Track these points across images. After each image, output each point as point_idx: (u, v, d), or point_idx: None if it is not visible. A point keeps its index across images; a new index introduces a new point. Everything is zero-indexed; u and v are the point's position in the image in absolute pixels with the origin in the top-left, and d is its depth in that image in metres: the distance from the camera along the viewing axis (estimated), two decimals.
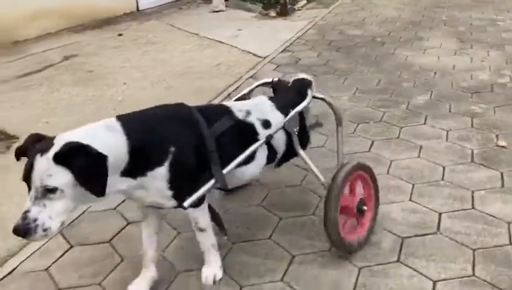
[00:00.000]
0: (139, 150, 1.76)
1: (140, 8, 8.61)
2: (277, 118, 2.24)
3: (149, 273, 2.11)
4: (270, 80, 2.61)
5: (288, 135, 2.30)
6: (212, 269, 2.14)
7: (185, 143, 1.89)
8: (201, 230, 2.08)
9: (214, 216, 2.15)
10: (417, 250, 2.33)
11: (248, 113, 2.17)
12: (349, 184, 2.28)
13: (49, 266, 2.31)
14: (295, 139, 2.32)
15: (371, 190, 2.42)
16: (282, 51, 5.78)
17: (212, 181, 1.96)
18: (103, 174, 1.63)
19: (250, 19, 7.84)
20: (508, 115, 3.74)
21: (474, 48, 5.42)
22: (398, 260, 2.27)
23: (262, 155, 2.19)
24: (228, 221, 2.38)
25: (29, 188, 1.64)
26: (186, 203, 1.91)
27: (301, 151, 2.36)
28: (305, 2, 8.67)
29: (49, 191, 1.61)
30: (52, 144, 1.63)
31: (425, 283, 2.13)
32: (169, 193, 1.88)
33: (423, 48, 5.56)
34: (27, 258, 2.37)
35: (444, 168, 3.03)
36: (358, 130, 3.63)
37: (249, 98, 2.55)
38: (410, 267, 2.22)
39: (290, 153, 2.37)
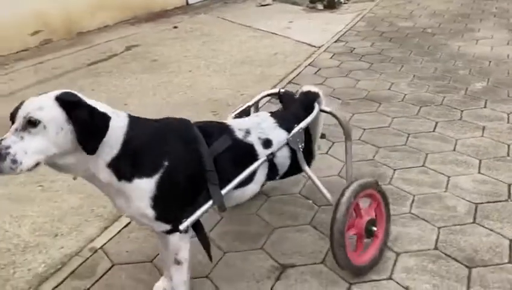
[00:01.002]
0: (132, 147, 1.70)
1: (190, 2, 8.99)
2: (279, 136, 2.13)
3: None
4: (276, 90, 2.51)
5: (293, 151, 2.18)
6: None
7: (180, 160, 1.80)
8: (179, 263, 1.91)
9: (203, 237, 1.96)
10: (491, 214, 2.56)
11: (247, 132, 2.06)
12: (356, 205, 2.13)
13: (91, 286, 2.28)
14: (300, 156, 2.20)
15: (382, 208, 2.27)
16: (336, 41, 6.01)
17: (210, 202, 1.88)
18: (102, 133, 1.61)
19: (299, 11, 8.08)
20: None
21: None
22: (474, 222, 2.51)
23: (261, 173, 2.09)
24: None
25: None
26: (182, 227, 1.83)
27: (307, 168, 2.25)
28: None
29: (31, 124, 1.54)
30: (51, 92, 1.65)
31: (501, 240, 2.36)
32: (151, 213, 1.76)
33: (475, 38, 5.71)
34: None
35: (508, 146, 3.24)
36: (421, 112, 3.84)
37: (255, 109, 2.52)
38: (486, 228, 2.45)
39: (295, 168, 2.25)
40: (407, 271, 2.21)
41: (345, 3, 8.43)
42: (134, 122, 1.75)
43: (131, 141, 1.70)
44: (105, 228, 2.72)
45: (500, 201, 2.66)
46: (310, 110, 2.29)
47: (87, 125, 1.58)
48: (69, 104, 1.59)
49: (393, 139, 3.41)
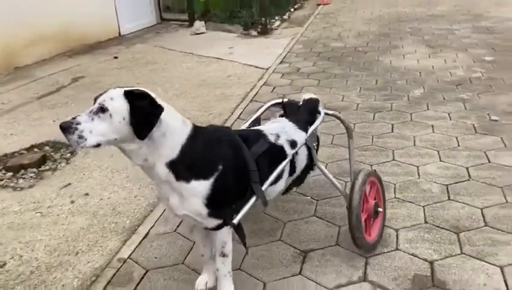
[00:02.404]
0: (190, 153, 1.90)
1: (122, 33, 9.11)
2: (301, 137, 2.43)
3: (212, 268, 2.33)
4: (280, 100, 2.79)
5: (308, 150, 2.49)
6: None
7: (230, 164, 2.02)
8: (224, 255, 2.14)
9: (240, 229, 2.14)
10: (460, 191, 3.07)
11: (278, 136, 2.33)
12: (365, 191, 2.45)
13: None
14: (314, 153, 2.54)
15: (380, 192, 2.65)
16: (281, 63, 6.51)
17: (254, 198, 2.11)
18: (152, 121, 1.82)
19: (234, 38, 8.53)
20: (491, 98, 4.64)
21: (444, 52, 6.41)
22: (449, 199, 3.00)
23: (286, 170, 2.36)
24: None
25: None
26: (235, 221, 2.04)
27: (319, 164, 2.61)
28: (279, 22, 9.53)
29: (101, 110, 1.78)
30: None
31: (474, 209, 2.86)
32: (205, 211, 1.97)
33: (401, 54, 6.50)
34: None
35: (456, 138, 3.83)
36: (376, 117, 4.38)
37: (261, 118, 2.78)
38: (459, 202, 2.95)
39: (308, 166, 2.56)
40: (409, 242, 2.62)
41: (275, 29, 9.06)
42: (196, 132, 1.96)
43: (189, 148, 1.91)
44: (125, 241, 2.85)
45: (464, 181, 3.19)
46: (314, 114, 2.65)
47: (140, 110, 1.80)
48: (132, 95, 1.82)
49: (361, 141, 3.88)
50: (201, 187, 1.94)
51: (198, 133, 1.98)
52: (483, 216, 2.79)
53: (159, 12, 10.36)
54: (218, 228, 2.07)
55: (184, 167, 1.91)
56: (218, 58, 7.07)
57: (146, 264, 2.62)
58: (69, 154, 4.13)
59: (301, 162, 2.50)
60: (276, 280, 2.42)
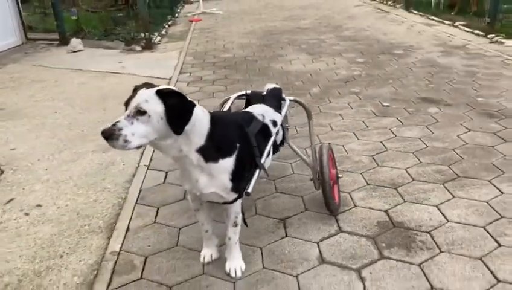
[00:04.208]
0: (214, 138, 2.12)
1: None
2: (278, 118, 2.79)
3: (214, 242, 2.63)
4: (244, 92, 3.06)
5: (282, 130, 2.89)
6: (237, 262, 2.51)
7: (243, 142, 2.30)
8: (236, 225, 2.42)
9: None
10: (384, 159, 3.73)
11: (263, 116, 2.64)
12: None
13: (142, 274, 2.80)
14: (286, 133, 2.98)
15: (335, 162, 3.13)
16: (180, 73, 6.77)
17: (258, 171, 2.41)
18: (187, 117, 1.99)
19: (118, 54, 8.50)
20: (376, 90, 5.53)
21: (322, 57, 7.32)
22: (377, 165, 3.63)
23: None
24: None
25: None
26: (250, 189, 2.30)
27: (290, 142, 3.08)
28: (160, 37, 9.72)
29: (139, 113, 1.90)
30: (154, 86, 2.03)
31: (400, 171, 3.53)
32: (229, 185, 2.21)
33: (287, 60, 7.24)
34: None
35: (363, 121, 4.56)
36: (292, 111, 4.92)
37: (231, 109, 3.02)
38: (387, 167, 3.60)
39: (281, 143, 2.92)
40: (362, 200, 3.16)
41: (158, 43, 9.24)
42: (213, 118, 2.17)
43: (213, 133, 2.13)
44: (108, 237, 2.90)
45: (383, 152, 3.88)
46: (279, 100, 3.04)
47: (175, 108, 1.95)
48: (165, 94, 1.96)
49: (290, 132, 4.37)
50: (228, 164, 2.20)
51: (215, 119, 2.18)
52: (409, 174, 3.47)
53: (24, 32, 9.78)
54: (235, 201, 2.33)
55: (211, 150, 2.14)
56: (112, 73, 7.04)
57: (142, 252, 2.72)
58: None
59: (278, 140, 2.87)
60: (269, 244, 2.74)
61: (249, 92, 3.10)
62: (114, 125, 1.90)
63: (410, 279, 2.40)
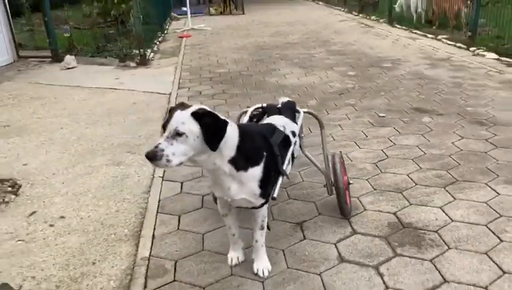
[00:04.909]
0: (243, 149, 2.31)
1: None
2: (296, 129, 2.99)
3: (240, 245, 2.81)
4: (260, 105, 3.25)
5: (299, 139, 3.10)
6: (264, 263, 2.68)
7: (269, 151, 2.49)
8: (263, 228, 2.61)
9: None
10: (387, 166, 3.97)
11: (284, 127, 2.82)
12: None
13: (174, 277, 3.04)
14: (302, 143, 3.27)
15: (345, 169, 3.31)
16: (179, 88, 6.96)
17: (281, 177, 2.62)
18: (221, 134, 2.19)
19: (113, 70, 8.64)
20: (370, 102, 5.81)
21: (315, 71, 7.61)
22: (381, 172, 3.87)
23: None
24: None
25: (164, 132, 2.15)
26: (275, 194, 2.53)
27: (305, 151, 3.32)
28: (153, 54, 9.91)
29: (178, 134, 2.10)
30: (189, 107, 2.20)
31: (403, 176, 3.77)
32: (258, 191, 2.40)
33: (282, 74, 7.51)
34: None
35: (362, 131, 4.82)
36: None
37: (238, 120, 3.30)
38: (390, 173, 3.84)
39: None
40: (371, 203, 3.39)
41: (152, 59, 9.42)
42: (241, 131, 2.36)
43: (242, 144, 2.32)
44: (136, 244, 3.06)
45: (384, 159, 4.12)
46: (294, 112, 3.25)
47: (210, 128, 2.17)
48: (199, 115, 2.16)
49: None
50: (256, 172, 2.40)
51: (242, 131, 2.36)
52: (411, 179, 3.72)
53: (16, 50, 9.87)
54: (262, 205, 2.53)
55: (241, 160, 2.34)
56: (111, 89, 7.19)
57: (171, 257, 2.89)
58: (10, 188, 4.01)
59: (296, 150, 3.08)
60: (289, 246, 2.94)
61: (264, 105, 3.30)
62: (156, 147, 2.11)
63: (424, 273, 2.62)
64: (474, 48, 8.34)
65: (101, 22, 13.16)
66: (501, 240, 2.87)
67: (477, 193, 3.44)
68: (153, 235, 3.14)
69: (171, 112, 2.24)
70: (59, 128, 5.45)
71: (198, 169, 4.10)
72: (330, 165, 3.25)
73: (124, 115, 5.85)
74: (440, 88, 6.22)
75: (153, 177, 4.02)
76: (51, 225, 3.37)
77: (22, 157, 4.62)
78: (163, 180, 3.94)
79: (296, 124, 3.12)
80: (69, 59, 9.10)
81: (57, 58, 9.47)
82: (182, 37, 11.99)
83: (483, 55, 7.93)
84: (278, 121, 2.94)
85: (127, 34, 10.93)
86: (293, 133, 2.94)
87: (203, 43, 10.96)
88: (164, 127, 2.18)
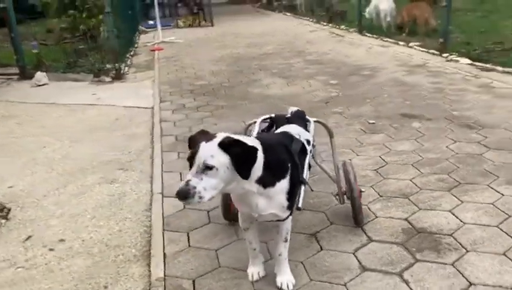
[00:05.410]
0: (269, 166, 2.25)
1: None
2: (310, 137, 2.98)
3: (260, 259, 2.74)
4: (269, 116, 3.21)
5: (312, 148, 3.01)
6: (287, 277, 2.62)
7: (292, 162, 2.45)
8: (287, 241, 2.56)
9: None
10: (388, 172, 3.98)
11: (299, 136, 2.77)
12: None
13: None
14: (315, 152, 3.19)
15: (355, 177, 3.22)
16: (161, 102, 6.81)
17: (303, 186, 2.58)
18: (252, 162, 2.14)
19: (88, 85, 8.41)
20: (357, 109, 5.85)
21: (297, 81, 7.62)
22: (383, 178, 3.88)
23: None
24: None
25: (191, 166, 2.10)
26: (300, 204, 2.50)
27: (317, 160, 3.36)
28: (127, 68, 9.72)
29: (207, 168, 2.05)
30: (214, 137, 2.15)
31: (406, 181, 3.78)
32: (286, 203, 2.37)
33: (264, 85, 7.48)
34: None
35: (356, 138, 4.83)
36: None
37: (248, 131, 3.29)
38: (393, 179, 3.86)
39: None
40: (381, 210, 3.37)
41: (127, 74, 9.23)
42: (264, 147, 2.29)
43: (267, 161, 2.27)
44: (147, 265, 2.93)
45: (384, 165, 4.13)
46: (305, 121, 3.20)
47: (240, 157, 2.10)
48: (227, 145, 2.10)
49: None
50: (284, 185, 2.36)
51: (266, 147, 2.30)
52: (415, 184, 3.74)
53: None
54: (287, 218, 2.48)
55: (269, 177, 2.29)
56: (90, 105, 6.99)
57: (188, 275, 2.78)
58: None
59: (310, 158, 3.05)
60: (308, 258, 2.88)
61: (273, 115, 3.26)
62: (187, 185, 2.04)
63: (448, 277, 2.61)
64: (447, 54, 8.57)
65: (67, 37, 12.85)
66: None
67: (482, 195, 3.48)
68: (164, 254, 3.01)
69: (192, 141, 2.19)
70: (41, 148, 5.22)
71: None
72: (341, 173, 3.22)
73: (108, 131, 5.67)
74: (423, 94, 6.34)
75: (152, 193, 3.89)
76: (51, 249, 3.19)
77: (6, 180, 4.38)
78: (163, 197, 3.81)
79: (308, 132, 3.08)
80: (40, 76, 8.81)
81: (25, 75, 9.17)
82: (154, 50, 11.82)
83: (457, 61, 8.15)
84: (293, 130, 2.90)
85: (98, 48, 10.70)
86: (308, 142, 2.90)
87: (177, 56, 10.84)
88: (190, 161, 2.12)
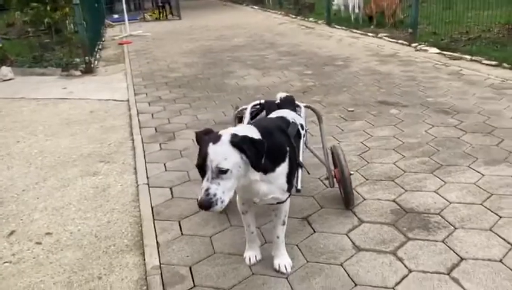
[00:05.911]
0: (269, 151, 2.18)
1: None
2: (303, 121, 3.03)
3: (257, 243, 2.75)
4: (259, 102, 3.23)
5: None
6: (285, 259, 2.64)
7: (289, 144, 2.47)
8: (284, 224, 2.58)
9: None
10: (372, 156, 4.05)
11: (294, 120, 2.80)
12: None
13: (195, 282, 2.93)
14: (307, 136, 3.18)
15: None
16: (136, 94, 6.70)
17: (300, 168, 2.64)
18: (263, 153, 2.12)
19: (58, 79, 8.20)
20: (335, 98, 5.93)
21: (272, 72, 7.64)
22: (368, 163, 3.96)
23: None
24: None
25: (202, 172, 2.06)
26: (299, 186, 2.58)
27: (308, 145, 3.28)
28: (96, 61, 9.50)
29: (222, 172, 2.03)
30: (220, 136, 2.10)
31: (390, 165, 3.87)
32: (286, 186, 2.40)
33: (239, 76, 7.46)
34: None
35: (337, 126, 4.89)
36: None
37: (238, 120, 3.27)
38: (377, 163, 3.93)
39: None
40: (368, 193, 3.44)
41: (97, 67, 9.02)
42: (262, 133, 2.28)
43: (268, 147, 2.18)
44: (141, 254, 2.89)
45: (367, 151, 4.21)
46: (295, 106, 3.22)
47: (252, 152, 2.09)
48: (237, 143, 2.08)
49: None
50: (283, 169, 2.38)
51: (263, 133, 2.29)
52: (398, 167, 3.83)
53: None
54: (285, 200, 2.50)
55: (269, 163, 2.27)
56: (61, 99, 6.82)
57: (184, 263, 2.76)
58: None
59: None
60: (302, 240, 2.91)
61: (262, 101, 3.28)
62: (208, 194, 2.02)
63: (440, 253, 2.69)
64: (416, 44, 8.78)
65: (30, 31, 12.43)
66: (500, 217, 3.01)
67: (464, 176, 3.60)
68: (157, 242, 2.98)
69: (200, 143, 2.13)
70: (15, 143, 5.06)
71: (183, 173, 3.97)
72: (331, 157, 3.27)
73: (85, 124, 5.54)
74: (397, 82, 6.47)
75: (137, 184, 3.83)
76: (38, 243, 3.10)
77: None
78: (149, 187, 3.76)
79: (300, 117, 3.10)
80: (6, 70, 8.53)
81: None
82: (122, 44, 11.60)
83: (426, 50, 8.37)
84: (286, 114, 2.91)
85: (65, 42, 10.41)
86: (301, 126, 2.93)
87: (147, 49, 10.67)
88: (201, 166, 2.07)
